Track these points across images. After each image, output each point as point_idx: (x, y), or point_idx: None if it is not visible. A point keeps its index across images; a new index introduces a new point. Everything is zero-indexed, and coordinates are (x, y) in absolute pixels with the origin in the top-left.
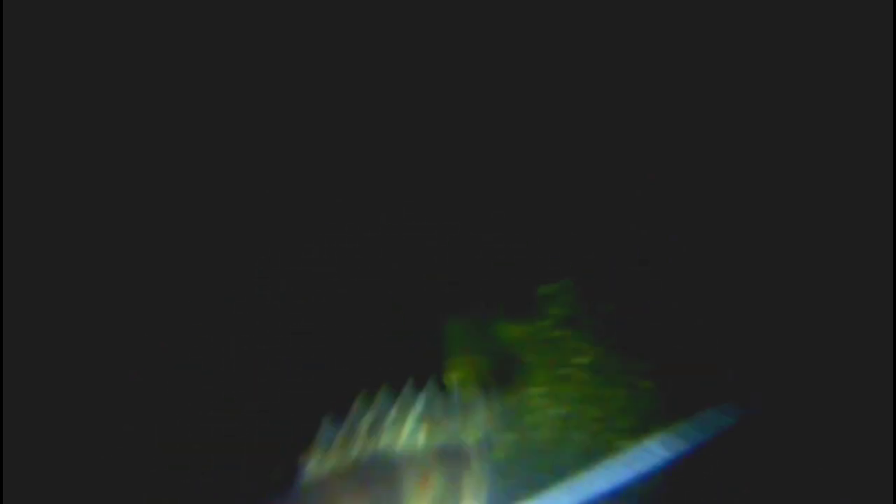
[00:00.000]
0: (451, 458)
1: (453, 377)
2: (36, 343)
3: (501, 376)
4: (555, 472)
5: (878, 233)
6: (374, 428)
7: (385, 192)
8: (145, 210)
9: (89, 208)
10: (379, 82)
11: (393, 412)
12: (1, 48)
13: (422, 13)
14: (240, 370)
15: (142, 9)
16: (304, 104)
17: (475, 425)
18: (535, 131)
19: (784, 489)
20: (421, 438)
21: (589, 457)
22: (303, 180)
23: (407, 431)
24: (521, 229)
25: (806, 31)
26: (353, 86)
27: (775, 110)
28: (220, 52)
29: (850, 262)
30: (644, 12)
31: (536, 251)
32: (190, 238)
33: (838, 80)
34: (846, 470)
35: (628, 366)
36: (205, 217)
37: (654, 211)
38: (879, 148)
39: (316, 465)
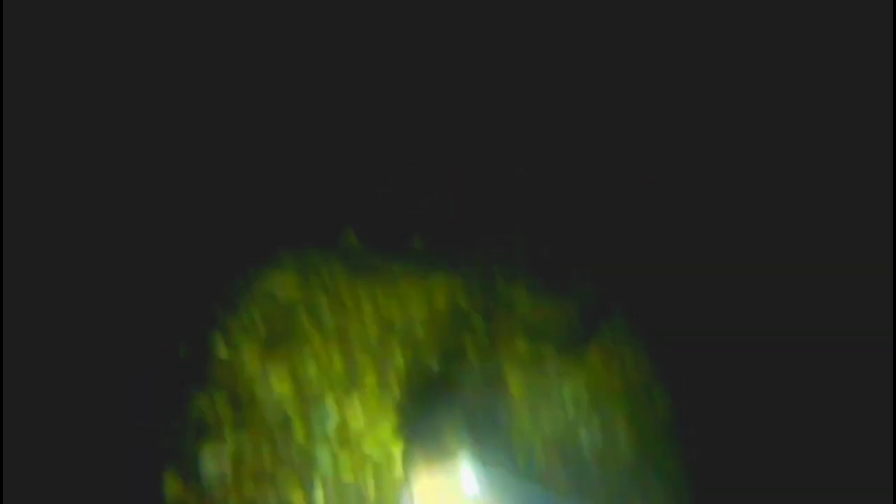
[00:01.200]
0: None
1: None
2: (36, 343)
3: None
4: None
5: (879, 232)
6: None
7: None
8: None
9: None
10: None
11: None
12: (1, 48)
13: (422, 12)
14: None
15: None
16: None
17: None
18: (534, 131)
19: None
20: None
21: None
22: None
23: None
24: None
25: (806, 31)
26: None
27: (775, 111)
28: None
29: (851, 262)
30: (644, 12)
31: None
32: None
33: (838, 80)
34: (846, 470)
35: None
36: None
37: (655, 211)
38: (880, 148)
39: None
